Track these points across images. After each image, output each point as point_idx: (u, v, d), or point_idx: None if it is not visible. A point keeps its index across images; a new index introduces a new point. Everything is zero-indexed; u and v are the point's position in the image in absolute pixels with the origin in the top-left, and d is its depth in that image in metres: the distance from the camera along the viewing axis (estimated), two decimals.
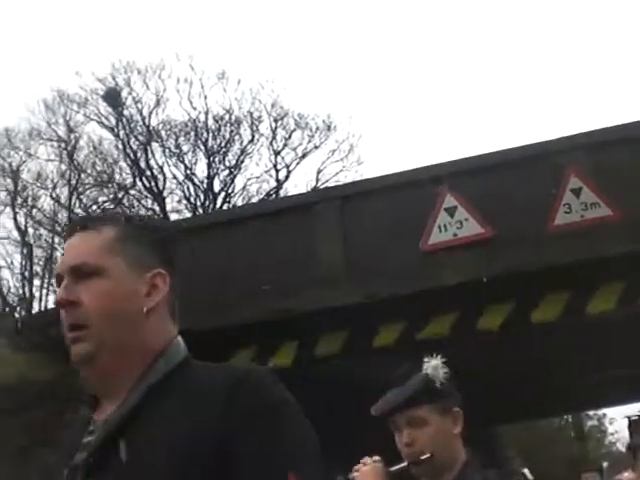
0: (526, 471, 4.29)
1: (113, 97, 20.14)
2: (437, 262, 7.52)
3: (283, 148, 19.64)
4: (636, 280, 7.39)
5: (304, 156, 19.60)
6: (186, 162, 19.86)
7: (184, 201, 19.89)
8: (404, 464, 2.28)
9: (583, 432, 26.72)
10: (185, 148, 19.85)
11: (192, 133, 19.78)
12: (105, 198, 20.30)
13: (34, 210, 19.60)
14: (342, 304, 7.65)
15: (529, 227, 7.43)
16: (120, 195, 20.29)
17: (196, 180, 19.84)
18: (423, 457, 2.26)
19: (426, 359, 2.36)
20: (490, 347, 8.63)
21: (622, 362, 10.62)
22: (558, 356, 9.74)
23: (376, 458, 2.31)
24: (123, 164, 20.21)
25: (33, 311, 17.04)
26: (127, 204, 20.31)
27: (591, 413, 26.53)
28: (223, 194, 19.73)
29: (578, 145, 7.58)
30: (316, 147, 19.66)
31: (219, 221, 8.91)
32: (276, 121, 19.65)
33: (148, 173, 19.88)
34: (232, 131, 19.76)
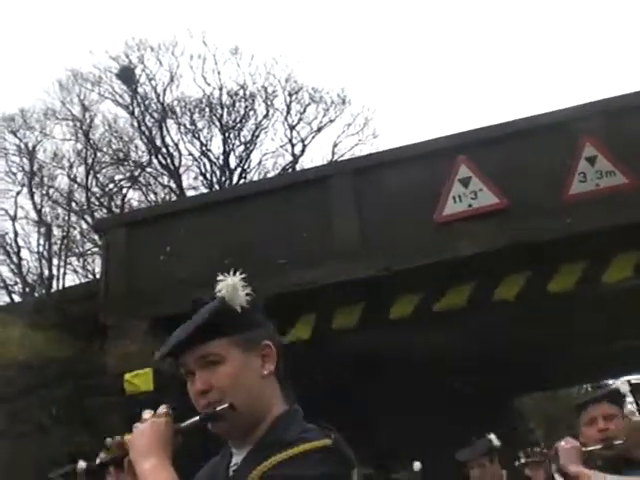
0: (492, 437, 4.31)
1: (127, 75, 20.19)
2: (452, 233, 7.53)
3: (298, 122, 19.64)
4: None
5: (319, 130, 19.60)
6: (201, 138, 19.92)
7: (200, 177, 19.98)
8: (196, 418, 1.74)
9: None
10: (200, 124, 19.89)
11: (207, 109, 19.81)
12: (121, 176, 20.43)
13: (51, 190, 19.77)
14: (358, 277, 7.69)
15: (544, 196, 7.41)
16: (136, 173, 20.40)
17: (212, 156, 19.91)
18: (220, 408, 1.70)
19: (221, 277, 1.84)
20: (508, 317, 8.67)
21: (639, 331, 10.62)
22: (575, 325, 9.76)
23: (163, 410, 1.77)
24: (139, 142, 20.31)
25: (52, 290, 17.25)
26: (144, 182, 20.42)
27: (610, 382, 26.58)
28: (239, 170, 19.79)
29: (593, 113, 7.52)
30: (331, 121, 19.65)
31: (235, 196, 8.94)
32: (290, 95, 19.63)
33: (164, 150, 19.96)
34: (247, 106, 19.77)
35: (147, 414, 1.80)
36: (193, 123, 19.83)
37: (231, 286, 1.83)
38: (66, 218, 19.48)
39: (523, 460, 5.17)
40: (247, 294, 1.85)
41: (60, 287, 16.83)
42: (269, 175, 18.78)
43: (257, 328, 1.84)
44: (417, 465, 6.14)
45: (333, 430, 1.70)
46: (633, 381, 4.14)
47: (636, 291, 8.08)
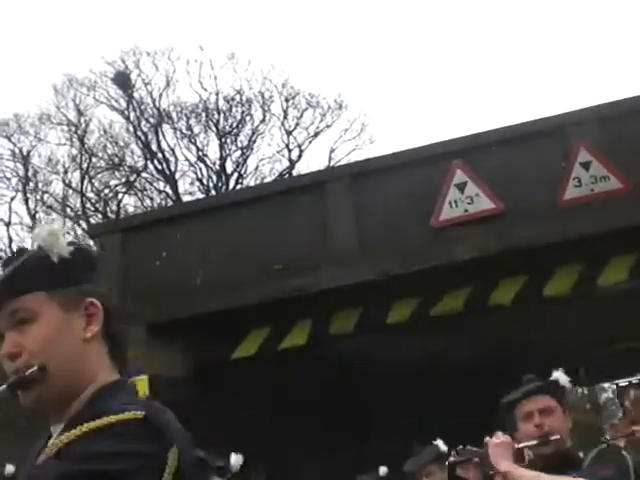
0: (439, 442, 4.23)
1: (123, 80, 20.18)
2: (449, 238, 7.55)
3: (295, 128, 19.66)
4: None
5: (316, 135, 19.62)
6: (198, 144, 19.93)
7: (196, 183, 19.98)
8: (2, 386, 1.46)
9: (598, 404, 26.78)
10: (196, 129, 19.91)
11: (203, 114, 19.83)
12: (117, 181, 20.42)
13: (45, 195, 19.75)
14: (355, 282, 7.71)
15: (539, 201, 7.45)
16: (132, 178, 20.40)
17: (208, 161, 19.92)
18: (29, 371, 1.42)
19: (39, 225, 1.54)
20: (504, 321, 8.69)
21: (634, 334, 10.65)
22: (570, 329, 9.79)
23: None
24: (134, 147, 20.31)
25: None
26: (139, 187, 20.41)
27: (606, 385, 26.59)
28: (236, 175, 19.81)
29: (587, 119, 7.56)
30: (328, 126, 19.67)
31: (231, 202, 8.95)
32: (287, 101, 19.65)
33: (160, 155, 19.96)
34: (243, 112, 19.79)
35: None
36: (189, 128, 19.85)
37: (49, 232, 1.49)
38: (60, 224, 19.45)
39: (452, 459, 4.72)
40: (70, 243, 1.52)
41: None
42: (266, 180, 18.81)
43: (82, 284, 1.52)
44: (383, 470, 6.06)
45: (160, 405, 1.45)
46: (621, 384, 4.17)
47: (632, 294, 8.11)
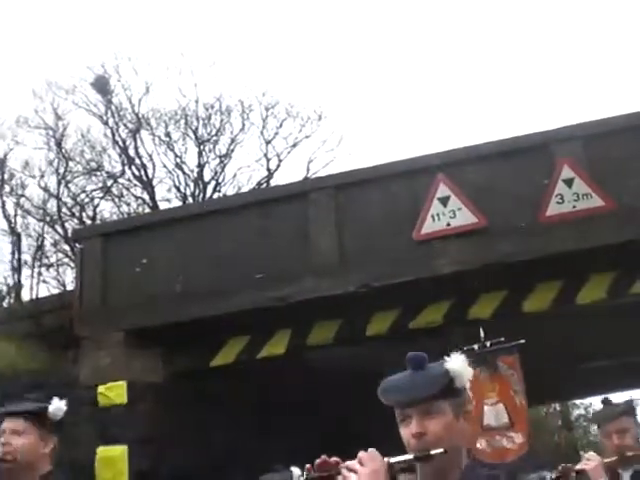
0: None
1: (102, 84, 20.04)
2: (430, 251, 7.58)
3: (274, 137, 19.62)
4: (626, 270, 7.50)
5: (295, 145, 19.59)
6: (176, 150, 19.79)
7: (174, 190, 19.83)
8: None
9: (570, 421, 26.96)
10: (175, 136, 19.78)
11: (182, 121, 19.72)
12: (94, 186, 20.22)
13: (22, 199, 19.50)
14: (335, 293, 7.71)
15: (522, 217, 7.51)
16: (109, 184, 20.21)
17: (186, 169, 19.79)
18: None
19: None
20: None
21: (610, 352, 10.76)
22: (548, 345, 9.86)
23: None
24: (112, 152, 20.11)
25: (22, 300, 16.97)
26: (116, 193, 20.24)
27: (578, 402, 26.77)
28: (213, 183, 19.69)
29: (571, 136, 7.65)
30: (307, 137, 19.65)
31: (213, 210, 8.92)
32: (267, 110, 19.63)
33: (137, 161, 19.80)
34: (222, 120, 19.71)
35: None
36: (168, 135, 19.72)
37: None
38: (36, 228, 19.21)
39: None
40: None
41: (32, 297, 16.58)
42: (243, 189, 18.75)
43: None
44: (296, 471, 5.90)
45: None
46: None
47: (609, 312, 8.19)
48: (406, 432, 2.15)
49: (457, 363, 2.25)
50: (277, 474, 3.99)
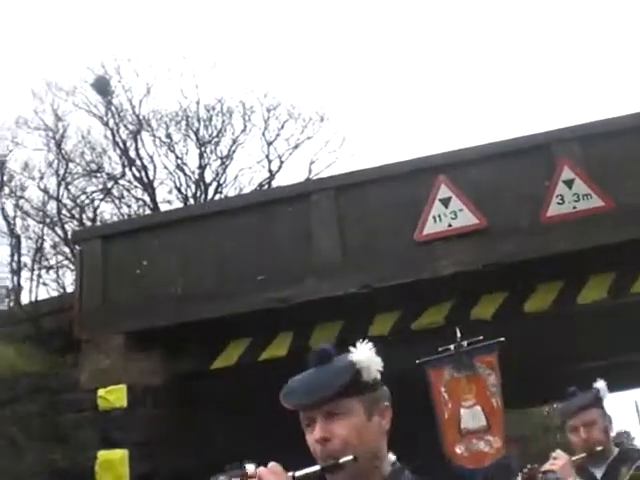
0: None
1: (102, 85, 20.02)
2: (432, 252, 7.58)
3: (276, 139, 19.58)
4: (627, 270, 7.50)
5: (297, 147, 19.56)
6: (177, 152, 19.77)
7: (175, 191, 19.81)
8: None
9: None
10: (176, 138, 19.76)
11: (183, 122, 19.70)
12: (94, 188, 20.19)
13: (21, 200, 19.47)
14: (337, 294, 7.70)
15: (522, 218, 7.51)
16: (109, 185, 20.19)
17: (187, 170, 19.76)
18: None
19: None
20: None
21: (612, 351, 10.76)
22: (549, 345, 9.85)
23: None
24: (112, 154, 20.09)
25: (21, 303, 16.95)
26: (117, 194, 20.22)
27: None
28: (215, 184, 19.66)
29: (571, 137, 7.65)
30: (309, 138, 19.62)
31: (214, 211, 8.90)
32: (269, 111, 19.61)
33: (138, 163, 19.77)
34: (224, 121, 19.69)
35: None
36: (169, 136, 19.70)
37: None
38: (36, 230, 19.19)
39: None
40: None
41: (32, 300, 16.57)
42: (245, 191, 18.71)
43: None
44: (250, 467, 5.82)
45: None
46: None
47: (609, 312, 8.19)
48: (310, 438, 1.91)
49: (363, 353, 2.01)
50: (226, 473, 3.95)
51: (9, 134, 19.70)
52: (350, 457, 1.82)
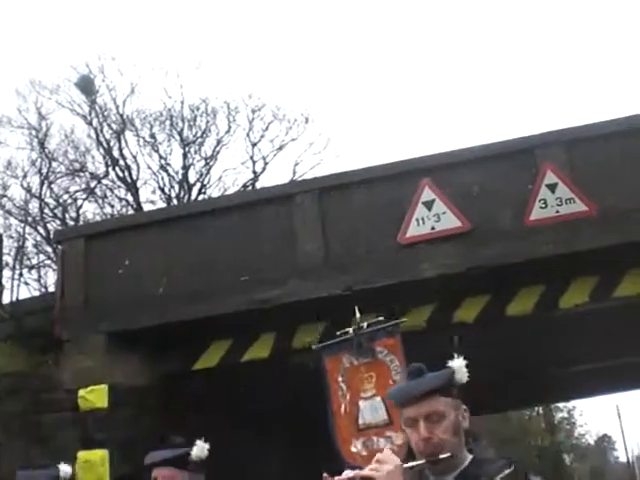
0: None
1: (86, 84, 19.94)
2: (415, 255, 7.59)
3: (260, 140, 19.60)
4: (608, 275, 7.55)
5: (281, 148, 19.59)
6: (161, 152, 19.76)
7: (158, 191, 19.78)
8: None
9: (553, 424, 27.12)
10: (160, 138, 19.75)
11: (167, 122, 19.70)
12: (77, 187, 20.11)
13: (4, 199, 19.35)
14: (320, 295, 7.70)
15: (505, 221, 7.54)
16: (93, 185, 20.11)
17: (171, 170, 19.75)
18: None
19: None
20: (464, 339, 8.75)
21: (593, 355, 10.83)
22: (531, 348, 9.90)
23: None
24: (96, 153, 20.03)
25: (2, 302, 16.82)
26: (100, 194, 20.14)
27: (561, 405, 26.92)
28: (198, 185, 19.66)
29: (555, 141, 7.69)
30: (293, 139, 19.65)
31: (197, 212, 8.86)
32: (253, 112, 19.62)
33: (121, 162, 19.73)
34: (208, 121, 19.70)
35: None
36: (153, 136, 19.68)
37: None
38: (18, 229, 19.07)
39: None
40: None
41: (13, 299, 16.44)
42: (229, 191, 18.71)
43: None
44: (64, 468, 5.66)
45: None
46: None
47: (592, 316, 8.24)
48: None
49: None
50: (44, 471, 4.01)
51: None
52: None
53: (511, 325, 8.18)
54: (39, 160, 19.59)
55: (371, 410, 6.21)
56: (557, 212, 7.39)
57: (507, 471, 2.34)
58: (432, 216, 7.64)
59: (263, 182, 18.76)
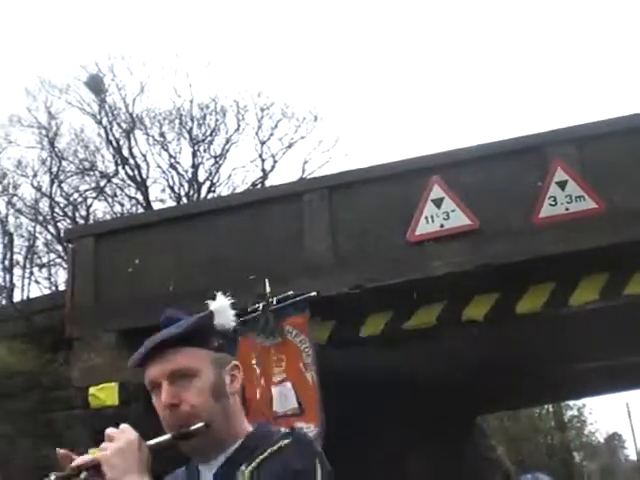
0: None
1: (96, 83, 19.98)
2: (424, 253, 7.58)
3: (269, 138, 19.58)
4: (618, 272, 7.52)
5: (290, 146, 19.57)
6: (170, 151, 19.75)
7: (168, 190, 19.79)
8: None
9: (563, 422, 27.04)
10: (169, 136, 19.74)
11: (176, 121, 19.68)
12: (87, 186, 20.16)
13: (14, 198, 19.41)
14: (329, 294, 7.69)
15: (515, 219, 7.52)
16: (102, 183, 20.15)
17: (180, 169, 19.75)
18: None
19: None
20: (476, 337, 8.75)
21: (603, 353, 10.79)
22: (541, 346, 9.88)
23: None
24: (105, 152, 20.06)
25: (13, 301, 16.91)
26: (109, 193, 20.18)
27: (571, 403, 26.84)
28: (208, 183, 19.65)
29: (564, 139, 7.66)
30: (302, 138, 19.62)
31: (206, 210, 8.89)
32: (262, 110, 19.60)
33: (131, 161, 19.74)
34: (217, 120, 19.68)
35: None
36: (162, 135, 19.67)
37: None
38: (29, 228, 19.14)
39: None
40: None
41: (24, 298, 16.52)
42: (238, 190, 18.71)
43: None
44: None
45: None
46: None
47: (602, 314, 8.21)
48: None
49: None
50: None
51: (2, 132, 19.65)
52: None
53: (521, 323, 8.15)
54: (49, 159, 19.62)
55: (280, 397, 5.54)
56: (567, 210, 7.36)
57: (286, 441, 1.67)
58: (441, 214, 7.63)
59: (272, 180, 18.76)
